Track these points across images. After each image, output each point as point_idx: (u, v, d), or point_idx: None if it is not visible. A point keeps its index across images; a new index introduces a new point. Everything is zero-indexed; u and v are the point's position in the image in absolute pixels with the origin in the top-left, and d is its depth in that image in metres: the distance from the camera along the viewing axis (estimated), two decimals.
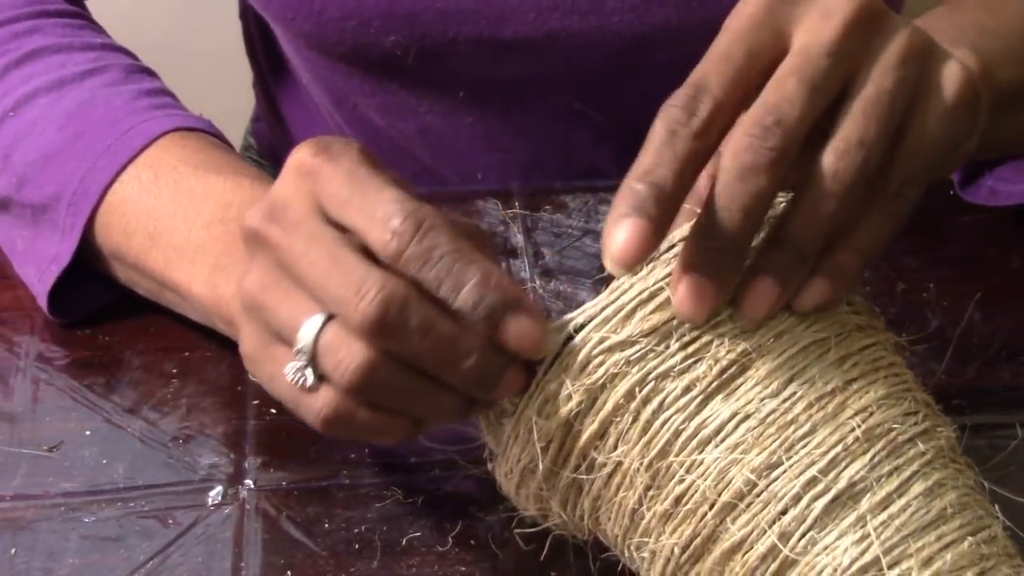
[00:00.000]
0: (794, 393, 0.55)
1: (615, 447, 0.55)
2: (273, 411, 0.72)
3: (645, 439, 0.55)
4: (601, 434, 0.56)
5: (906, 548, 0.54)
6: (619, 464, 0.56)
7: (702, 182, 0.54)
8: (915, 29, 0.57)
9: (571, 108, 0.91)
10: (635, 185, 0.52)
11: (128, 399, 0.73)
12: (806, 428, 0.54)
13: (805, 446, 0.54)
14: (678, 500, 0.55)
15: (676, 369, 0.55)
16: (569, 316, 0.56)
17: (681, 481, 0.55)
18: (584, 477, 0.56)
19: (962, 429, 0.60)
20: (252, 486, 0.69)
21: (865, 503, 0.54)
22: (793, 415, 0.55)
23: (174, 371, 0.74)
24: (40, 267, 0.76)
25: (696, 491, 0.54)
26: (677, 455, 0.55)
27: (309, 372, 0.57)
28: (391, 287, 0.54)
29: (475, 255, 0.55)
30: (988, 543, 0.55)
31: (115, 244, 0.74)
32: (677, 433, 0.55)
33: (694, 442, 0.55)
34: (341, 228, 0.57)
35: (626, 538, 0.57)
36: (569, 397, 0.55)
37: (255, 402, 0.72)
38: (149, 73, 0.81)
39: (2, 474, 0.69)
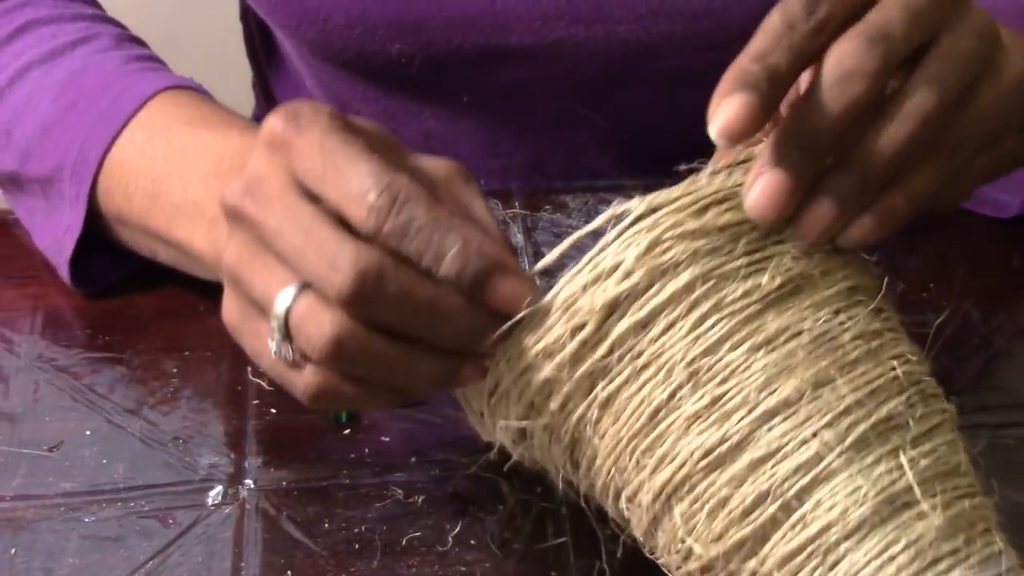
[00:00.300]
0: (843, 323, 0.56)
1: (658, 338, 0.55)
2: (273, 411, 0.72)
3: (695, 334, 0.55)
4: (647, 322, 0.55)
5: (930, 488, 0.55)
6: (658, 356, 0.55)
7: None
8: (992, 17, 0.59)
9: (574, 113, 0.91)
10: (748, 65, 0.54)
11: (128, 399, 0.73)
12: (853, 356, 0.56)
13: (850, 372, 0.55)
14: (715, 400, 0.55)
15: (739, 273, 0.55)
16: (642, 198, 0.56)
17: (724, 382, 0.55)
18: (614, 366, 0.56)
19: (962, 429, 0.60)
20: (252, 486, 0.69)
21: (898, 438, 0.55)
22: (842, 342, 0.56)
23: (174, 371, 0.74)
24: (56, 238, 0.77)
25: (738, 394, 0.55)
26: (725, 356, 0.55)
27: (289, 347, 0.57)
28: (365, 258, 0.55)
29: (454, 222, 0.56)
30: (989, 507, 0.57)
31: (118, 208, 0.74)
32: (729, 334, 0.55)
33: (745, 346, 0.55)
34: (318, 199, 0.57)
35: (632, 443, 0.56)
36: (627, 275, 0.55)
37: (255, 402, 0.72)
38: (139, 42, 0.82)
39: (2, 474, 0.69)
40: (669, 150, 0.67)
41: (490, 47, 0.86)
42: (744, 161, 0.57)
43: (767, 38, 0.55)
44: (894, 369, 0.56)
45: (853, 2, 0.56)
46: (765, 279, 0.55)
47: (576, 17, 0.85)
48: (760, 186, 0.55)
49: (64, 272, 0.77)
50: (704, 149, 0.58)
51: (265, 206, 0.57)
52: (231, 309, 0.61)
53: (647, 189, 0.58)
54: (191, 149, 0.72)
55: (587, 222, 0.59)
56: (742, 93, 0.53)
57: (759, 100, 0.53)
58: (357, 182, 0.55)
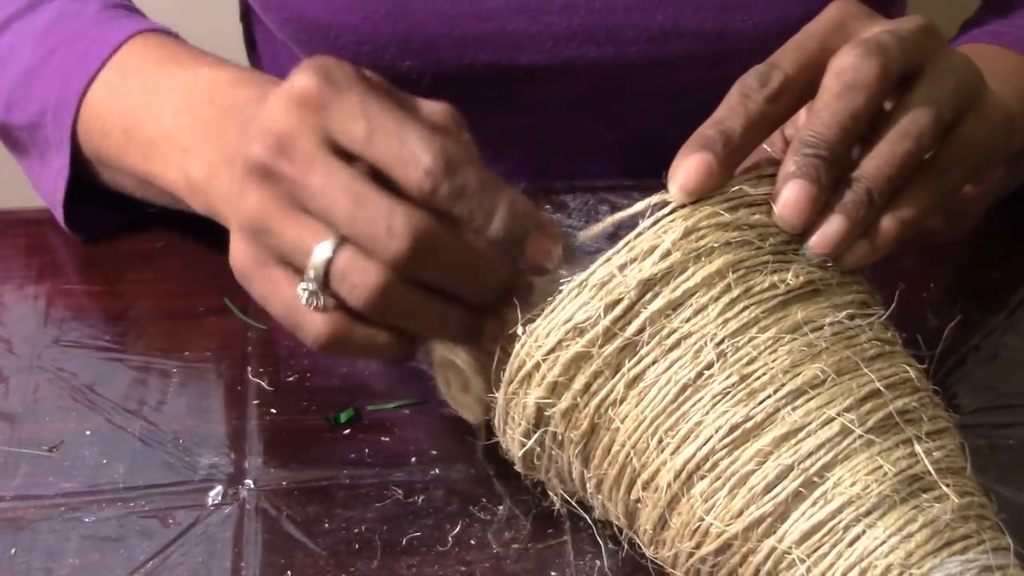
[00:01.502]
0: (859, 325, 0.59)
1: (689, 319, 0.57)
2: (273, 411, 0.72)
3: (725, 316, 0.57)
4: (679, 303, 0.57)
5: (943, 478, 0.57)
6: (687, 336, 0.57)
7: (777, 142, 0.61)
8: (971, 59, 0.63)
9: (580, 125, 0.91)
10: (706, 130, 0.58)
11: (128, 399, 0.73)
12: (870, 354, 0.58)
13: (869, 366, 0.58)
14: (743, 379, 0.56)
15: (767, 267, 0.58)
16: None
17: (751, 362, 0.57)
18: (644, 344, 0.57)
19: (962, 429, 0.60)
20: (252, 486, 0.69)
21: (913, 429, 0.57)
22: (859, 341, 0.58)
23: (174, 371, 0.74)
24: (52, 184, 0.79)
25: (765, 374, 0.57)
26: (753, 339, 0.57)
27: (322, 296, 0.59)
28: (417, 221, 0.57)
29: (499, 183, 0.58)
30: (993, 511, 0.58)
31: (96, 149, 0.76)
32: (757, 319, 0.57)
33: (772, 331, 0.57)
34: (348, 157, 0.59)
35: (655, 423, 0.57)
36: (664, 256, 0.57)
37: (255, 402, 0.72)
38: None
39: (2, 474, 0.69)
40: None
41: (500, 65, 0.86)
42: (771, 175, 0.59)
43: (725, 107, 0.59)
44: (906, 371, 0.59)
45: (812, 73, 0.60)
46: (790, 275, 0.58)
47: (587, 38, 0.85)
48: (786, 193, 0.58)
49: (59, 213, 0.79)
50: None
51: (304, 165, 0.59)
52: (243, 254, 0.62)
53: (646, 189, 0.59)
54: (163, 86, 0.73)
55: (587, 222, 0.60)
56: (699, 153, 0.57)
57: (715, 160, 0.57)
58: (408, 146, 0.58)
